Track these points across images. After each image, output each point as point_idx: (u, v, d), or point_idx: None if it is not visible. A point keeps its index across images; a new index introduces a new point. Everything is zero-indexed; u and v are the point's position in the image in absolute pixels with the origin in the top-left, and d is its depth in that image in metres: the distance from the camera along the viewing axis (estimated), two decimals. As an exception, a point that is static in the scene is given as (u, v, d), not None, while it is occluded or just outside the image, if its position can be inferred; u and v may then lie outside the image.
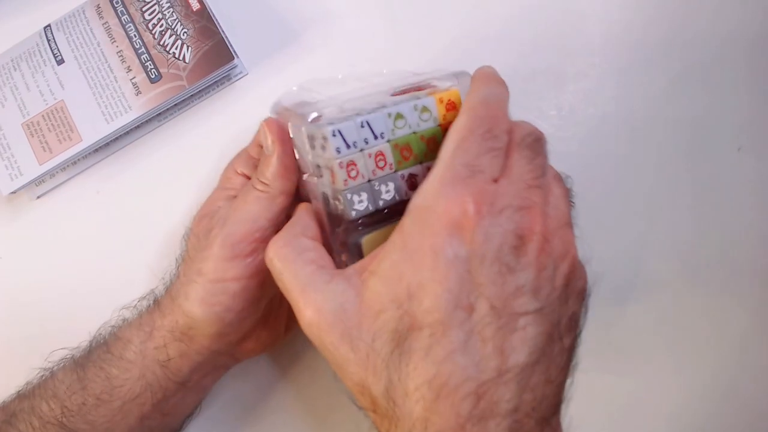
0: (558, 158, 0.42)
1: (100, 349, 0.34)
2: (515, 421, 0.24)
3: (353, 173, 0.29)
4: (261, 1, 0.42)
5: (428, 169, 0.30)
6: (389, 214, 0.31)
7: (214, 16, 0.39)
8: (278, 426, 0.41)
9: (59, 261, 0.41)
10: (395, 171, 0.30)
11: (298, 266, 0.28)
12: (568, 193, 0.29)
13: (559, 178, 0.29)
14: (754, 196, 0.43)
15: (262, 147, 0.34)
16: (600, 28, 0.43)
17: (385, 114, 0.30)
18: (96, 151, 0.40)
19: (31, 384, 0.35)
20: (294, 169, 0.32)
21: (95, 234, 0.41)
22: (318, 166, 0.30)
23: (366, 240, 0.30)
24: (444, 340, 0.24)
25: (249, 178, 0.35)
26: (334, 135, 0.29)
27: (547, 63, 0.43)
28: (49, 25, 0.39)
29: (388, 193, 0.30)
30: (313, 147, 0.30)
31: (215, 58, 0.38)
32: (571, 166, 0.43)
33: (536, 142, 0.28)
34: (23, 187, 0.38)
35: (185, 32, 0.38)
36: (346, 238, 0.30)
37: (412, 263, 0.25)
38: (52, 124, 0.38)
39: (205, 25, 0.38)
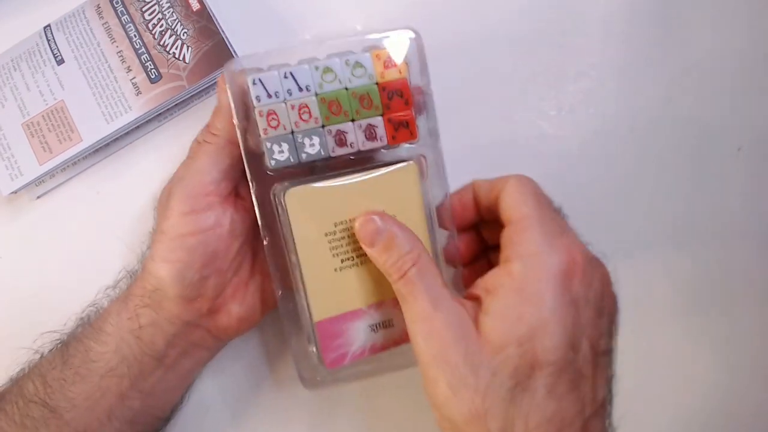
0: (558, 158, 0.43)
1: (84, 325, 0.35)
2: None
3: (273, 123, 0.30)
4: (260, 1, 0.42)
5: (360, 127, 0.31)
6: (317, 171, 0.31)
7: (214, 16, 0.39)
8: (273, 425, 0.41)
9: (59, 261, 0.41)
10: (322, 126, 0.30)
11: (432, 278, 0.30)
12: None
13: None
14: (754, 196, 0.43)
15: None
16: (600, 28, 0.43)
17: (312, 67, 0.30)
18: (96, 151, 0.40)
19: (22, 370, 0.36)
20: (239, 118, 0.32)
21: (95, 234, 0.41)
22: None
23: (290, 193, 0.30)
24: (562, 378, 0.27)
25: None
26: (254, 83, 0.30)
27: (547, 63, 0.43)
28: (48, 25, 0.39)
29: (312, 146, 0.30)
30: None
31: (215, 58, 0.38)
32: (571, 166, 0.43)
33: None
34: (23, 187, 0.38)
35: (185, 32, 0.38)
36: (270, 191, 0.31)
37: (532, 305, 0.27)
38: (52, 124, 0.38)
39: (205, 25, 0.38)
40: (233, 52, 0.38)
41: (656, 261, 0.43)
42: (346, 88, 0.31)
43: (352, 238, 0.32)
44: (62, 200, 0.41)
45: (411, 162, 0.32)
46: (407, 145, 0.33)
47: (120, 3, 0.39)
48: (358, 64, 0.31)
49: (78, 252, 0.41)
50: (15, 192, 0.38)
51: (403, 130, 0.31)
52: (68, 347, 0.34)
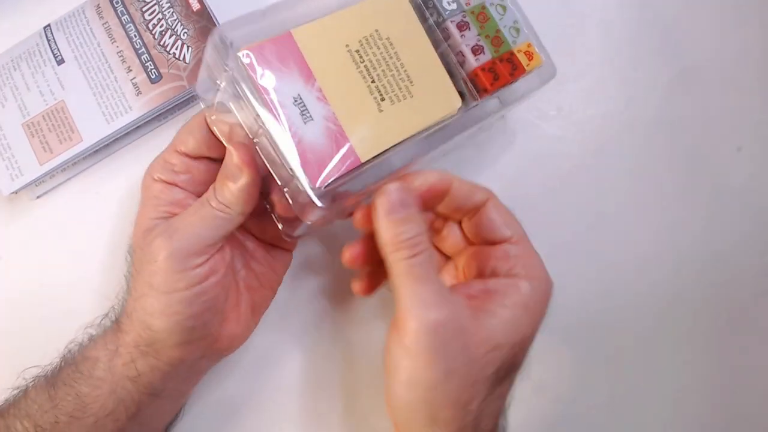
0: (558, 158, 0.43)
1: (69, 368, 0.34)
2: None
3: None
4: (260, 1, 0.42)
5: None
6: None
7: (214, 16, 0.39)
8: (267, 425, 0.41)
9: (59, 261, 0.41)
10: None
11: (435, 266, 0.30)
12: None
13: None
14: (754, 196, 0.43)
15: (186, 156, 0.34)
16: (600, 28, 0.43)
17: None
18: (96, 151, 0.40)
19: (7, 402, 0.35)
20: (257, 194, 0.32)
21: (95, 234, 0.41)
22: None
23: (297, 31, 0.30)
24: (515, 380, 0.32)
25: (169, 183, 0.34)
26: None
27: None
28: (48, 25, 0.39)
29: None
30: None
31: (215, 58, 0.38)
32: (571, 166, 0.43)
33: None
34: (24, 187, 0.38)
35: (185, 32, 0.38)
36: None
37: (530, 320, 0.31)
38: (52, 124, 0.38)
39: (206, 26, 0.38)
40: (233, 52, 0.38)
41: (655, 262, 0.43)
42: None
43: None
44: (62, 200, 0.41)
45: None
46: None
47: (120, 3, 0.39)
48: None
49: (78, 252, 0.41)
50: (15, 192, 0.38)
51: None
52: (56, 389, 0.33)
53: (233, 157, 0.31)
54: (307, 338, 0.41)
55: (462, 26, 0.33)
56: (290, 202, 0.30)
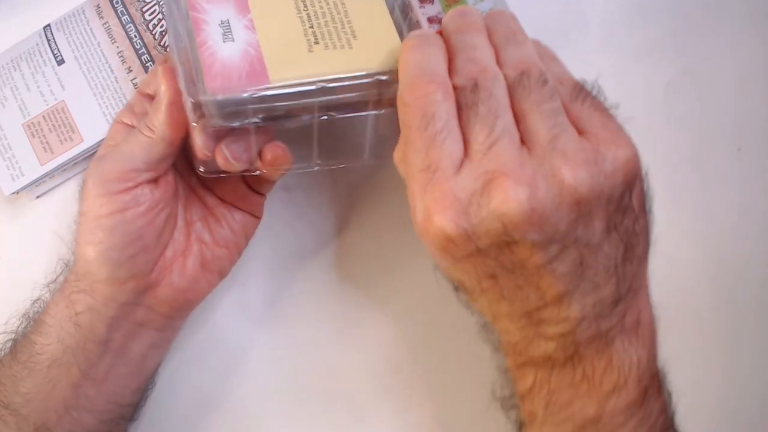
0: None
1: (29, 320, 0.35)
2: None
3: None
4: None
5: None
6: None
7: (214, 16, 0.39)
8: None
9: (59, 260, 0.41)
10: None
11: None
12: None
13: (550, 101, 0.26)
14: (754, 196, 0.43)
15: (149, 96, 0.34)
16: (600, 28, 0.43)
17: None
18: (96, 151, 0.40)
19: None
20: (183, 122, 0.31)
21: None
22: None
23: None
24: None
25: (127, 125, 0.35)
26: None
27: (547, 63, 0.43)
28: (48, 25, 0.39)
29: None
30: None
31: (215, 58, 0.38)
32: (571, 166, 0.43)
33: (480, 85, 0.26)
34: (25, 187, 0.38)
35: (185, 32, 0.38)
36: None
37: (437, 259, 0.27)
38: (53, 124, 0.38)
39: (206, 25, 0.38)
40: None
41: (655, 262, 0.43)
42: None
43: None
44: (62, 200, 0.41)
45: None
46: None
47: (120, 3, 0.39)
48: None
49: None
50: (16, 192, 0.38)
51: None
52: (16, 344, 0.34)
53: (160, 82, 0.31)
54: (306, 335, 0.41)
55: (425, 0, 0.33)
56: (191, 114, 0.29)
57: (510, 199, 0.24)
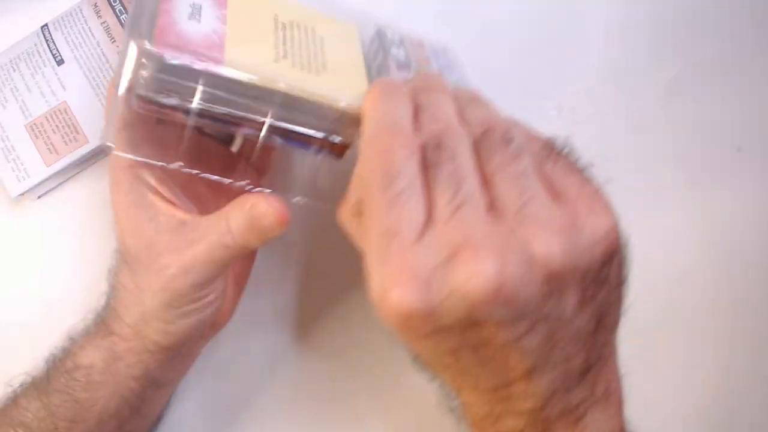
0: (558, 158, 0.43)
1: (62, 377, 0.33)
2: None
3: None
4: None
5: None
6: None
7: (213, 15, 0.38)
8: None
9: (60, 261, 0.40)
10: None
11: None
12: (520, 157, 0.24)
13: (517, 162, 0.24)
14: (754, 197, 0.43)
15: (144, 124, 0.31)
16: (600, 28, 0.43)
17: None
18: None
19: None
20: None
21: (96, 233, 0.40)
22: None
23: None
24: None
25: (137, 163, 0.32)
26: None
27: (547, 63, 0.43)
28: (46, 25, 0.39)
29: None
30: None
31: (216, 58, 0.38)
32: (571, 165, 0.43)
33: (444, 144, 0.24)
34: (32, 189, 0.38)
35: (185, 31, 0.38)
36: None
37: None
38: (56, 125, 0.38)
39: (205, 25, 0.38)
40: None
41: (655, 262, 0.43)
42: None
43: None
44: (64, 199, 0.40)
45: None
46: None
47: (117, 1, 0.39)
48: None
49: (78, 252, 0.40)
50: (23, 194, 0.38)
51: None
52: (50, 398, 0.33)
53: (269, 209, 0.30)
54: (307, 336, 0.41)
55: (402, 67, 0.32)
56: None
57: (475, 275, 0.21)
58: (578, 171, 0.25)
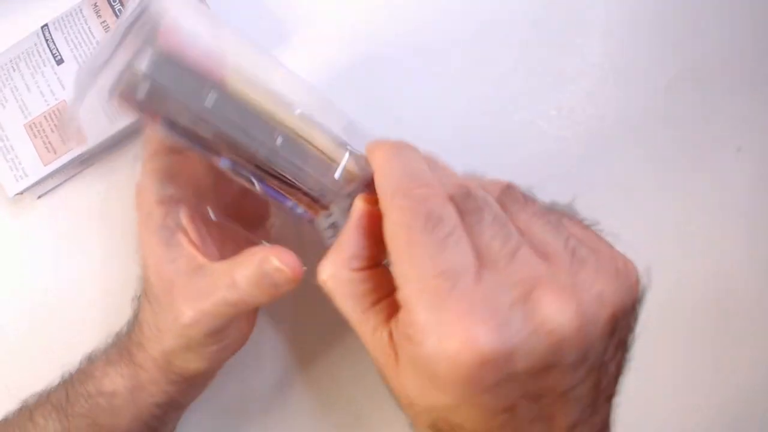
0: (558, 158, 0.43)
1: (84, 401, 0.33)
2: None
3: None
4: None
5: None
6: None
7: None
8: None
9: (60, 261, 0.40)
10: None
11: (347, 307, 0.25)
12: (561, 227, 0.24)
13: (545, 215, 0.25)
14: (754, 197, 0.43)
15: (162, 154, 0.31)
16: (600, 28, 0.43)
17: None
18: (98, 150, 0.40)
19: (6, 420, 0.34)
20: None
21: (97, 233, 0.41)
22: None
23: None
24: None
25: (171, 199, 0.32)
26: None
27: (547, 63, 0.43)
28: (46, 25, 0.39)
29: None
30: None
31: (216, 57, 0.38)
32: (571, 166, 0.43)
33: (473, 193, 0.24)
34: (29, 188, 0.38)
35: (184, 31, 0.38)
36: None
37: (437, 390, 0.22)
38: (54, 124, 0.38)
39: (205, 24, 0.38)
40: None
41: (655, 262, 0.43)
42: None
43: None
44: (64, 200, 0.40)
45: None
46: None
47: (117, 1, 0.39)
48: None
49: (79, 252, 0.40)
50: (20, 193, 0.38)
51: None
52: (70, 420, 0.33)
53: (281, 265, 0.28)
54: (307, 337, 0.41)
55: None
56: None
57: (559, 312, 0.20)
58: (581, 224, 0.26)
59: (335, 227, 0.28)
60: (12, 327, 0.40)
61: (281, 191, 0.28)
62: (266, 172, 0.27)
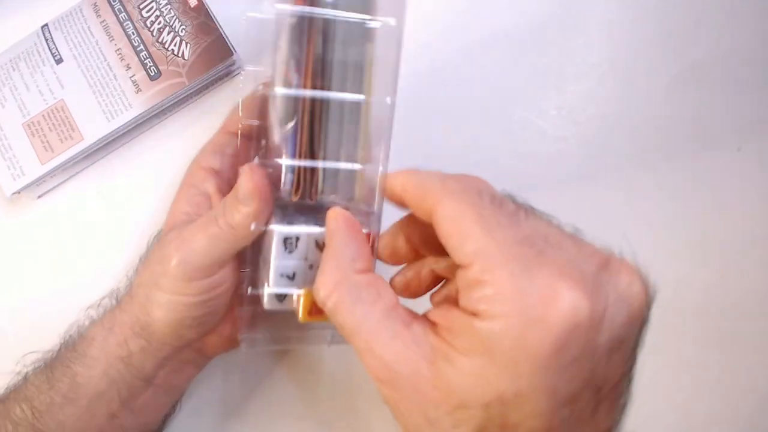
0: (558, 158, 0.43)
1: (68, 348, 0.34)
2: None
3: None
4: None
5: None
6: None
7: (211, 12, 0.38)
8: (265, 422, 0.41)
9: (60, 260, 0.40)
10: None
11: (357, 315, 0.24)
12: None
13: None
14: (754, 196, 0.43)
15: (232, 134, 0.35)
16: (600, 28, 0.43)
17: None
18: (96, 150, 0.39)
19: (8, 389, 0.35)
20: (265, 219, 0.31)
21: (97, 233, 0.40)
22: None
23: None
24: None
25: (215, 171, 0.35)
26: None
27: (547, 63, 0.43)
28: (46, 25, 0.39)
29: None
30: None
31: (214, 54, 0.38)
32: (571, 166, 0.43)
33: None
34: (26, 187, 0.38)
35: (183, 29, 0.38)
36: None
37: (502, 371, 0.21)
38: (53, 123, 0.38)
39: (204, 22, 0.38)
40: (232, 48, 0.38)
41: (656, 262, 0.43)
42: None
43: None
44: (63, 199, 0.41)
45: None
46: None
47: (117, 1, 0.39)
48: None
49: (79, 252, 0.40)
50: (18, 192, 0.38)
51: None
52: (53, 371, 0.33)
53: (245, 182, 0.30)
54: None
55: None
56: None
57: (632, 284, 0.21)
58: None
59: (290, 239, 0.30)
60: (11, 326, 0.40)
61: (299, 147, 0.29)
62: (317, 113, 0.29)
